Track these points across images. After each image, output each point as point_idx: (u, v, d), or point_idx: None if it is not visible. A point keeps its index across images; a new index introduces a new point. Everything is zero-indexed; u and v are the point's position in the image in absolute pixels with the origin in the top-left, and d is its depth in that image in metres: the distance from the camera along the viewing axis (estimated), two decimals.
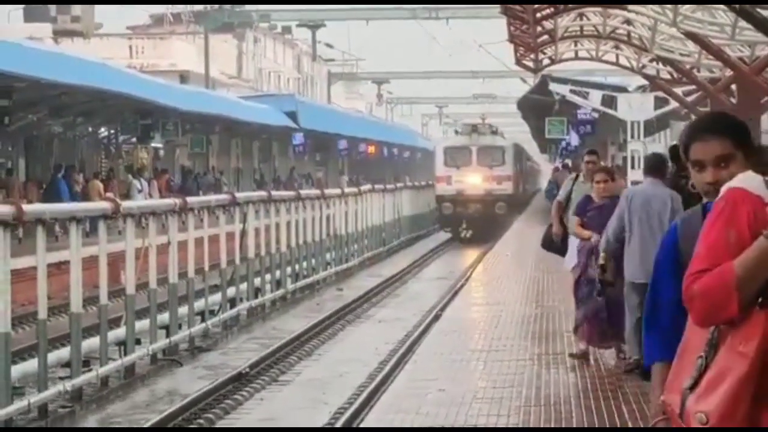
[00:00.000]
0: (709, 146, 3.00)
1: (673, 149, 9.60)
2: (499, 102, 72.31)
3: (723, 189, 2.80)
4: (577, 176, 11.70)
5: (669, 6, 17.19)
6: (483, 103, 69.80)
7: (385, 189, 35.35)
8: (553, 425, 8.22)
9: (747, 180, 2.78)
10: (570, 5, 19.18)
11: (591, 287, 10.27)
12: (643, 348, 3.30)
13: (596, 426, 8.14)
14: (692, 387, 2.69)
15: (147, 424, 11.39)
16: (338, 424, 11.18)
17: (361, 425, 9.35)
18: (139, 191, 30.49)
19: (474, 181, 38.38)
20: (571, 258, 10.79)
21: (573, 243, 10.79)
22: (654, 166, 9.54)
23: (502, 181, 38.55)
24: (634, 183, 13.20)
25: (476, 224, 38.13)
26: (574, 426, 8.17)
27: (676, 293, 3.10)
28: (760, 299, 2.66)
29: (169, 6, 61.08)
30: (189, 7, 58.45)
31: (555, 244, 11.42)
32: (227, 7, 50.78)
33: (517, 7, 18.41)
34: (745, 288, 2.64)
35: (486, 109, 52.41)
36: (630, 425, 8.01)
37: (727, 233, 2.70)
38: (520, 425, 8.27)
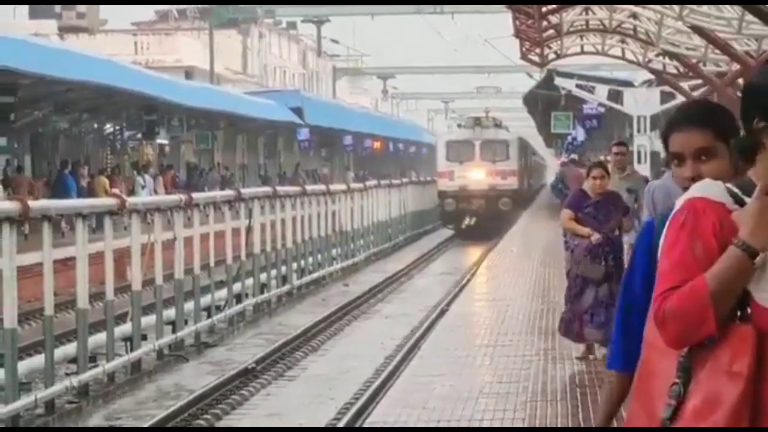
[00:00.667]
0: (688, 138, 2.80)
1: None
2: (504, 96, 72.22)
3: (680, 200, 2.59)
4: None
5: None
6: (488, 97, 69.71)
7: (391, 185, 35.28)
8: (559, 420, 8.21)
9: (707, 188, 2.56)
10: (575, 4, 19.17)
11: (583, 285, 10.22)
12: (609, 349, 3.08)
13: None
14: (671, 417, 2.46)
15: (153, 420, 11.39)
16: (344, 420, 11.18)
17: (368, 420, 9.34)
18: (143, 187, 30.48)
19: (477, 176, 37.39)
20: None
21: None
22: None
23: (506, 176, 37.56)
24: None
25: (480, 221, 37.50)
26: (581, 421, 8.16)
27: (644, 300, 2.87)
28: (739, 313, 2.45)
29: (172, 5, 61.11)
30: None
31: None
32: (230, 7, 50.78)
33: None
34: (720, 302, 2.43)
35: (491, 104, 52.35)
36: None
37: (692, 246, 2.48)
38: (527, 420, 8.26)
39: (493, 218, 36.85)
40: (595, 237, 10.13)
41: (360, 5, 51.38)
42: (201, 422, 11.81)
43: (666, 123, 2.91)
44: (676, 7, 17.46)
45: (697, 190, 2.57)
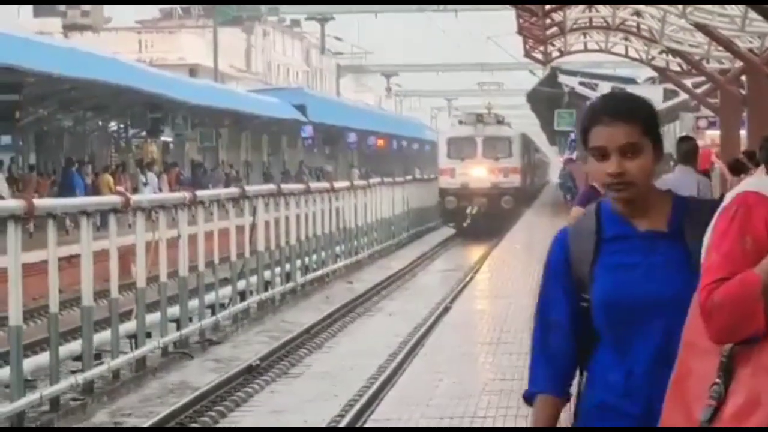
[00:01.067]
0: (614, 132, 2.66)
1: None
2: (507, 94, 72.23)
3: (731, 194, 2.49)
4: None
5: None
6: (491, 94, 69.65)
7: (394, 182, 35.25)
8: (562, 419, 8.22)
9: (761, 182, 2.46)
10: (578, 3, 19.21)
11: None
12: (530, 370, 2.94)
13: None
14: (711, 419, 2.35)
15: (157, 417, 11.44)
16: (348, 417, 11.22)
17: (371, 418, 9.38)
18: (145, 185, 30.50)
19: (479, 173, 36.85)
20: None
21: None
22: (685, 154, 9.26)
23: (508, 174, 37.04)
24: None
25: (482, 216, 37.03)
26: None
27: (567, 316, 2.79)
28: None
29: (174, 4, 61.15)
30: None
31: None
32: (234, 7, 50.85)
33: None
34: None
35: (494, 101, 52.28)
36: None
37: (742, 240, 2.40)
38: (529, 418, 8.28)
39: (495, 216, 36.34)
40: None
41: (363, 4, 51.42)
42: (205, 419, 11.84)
43: (587, 114, 2.74)
44: (679, 5, 17.49)
45: (750, 184, 2.49)
